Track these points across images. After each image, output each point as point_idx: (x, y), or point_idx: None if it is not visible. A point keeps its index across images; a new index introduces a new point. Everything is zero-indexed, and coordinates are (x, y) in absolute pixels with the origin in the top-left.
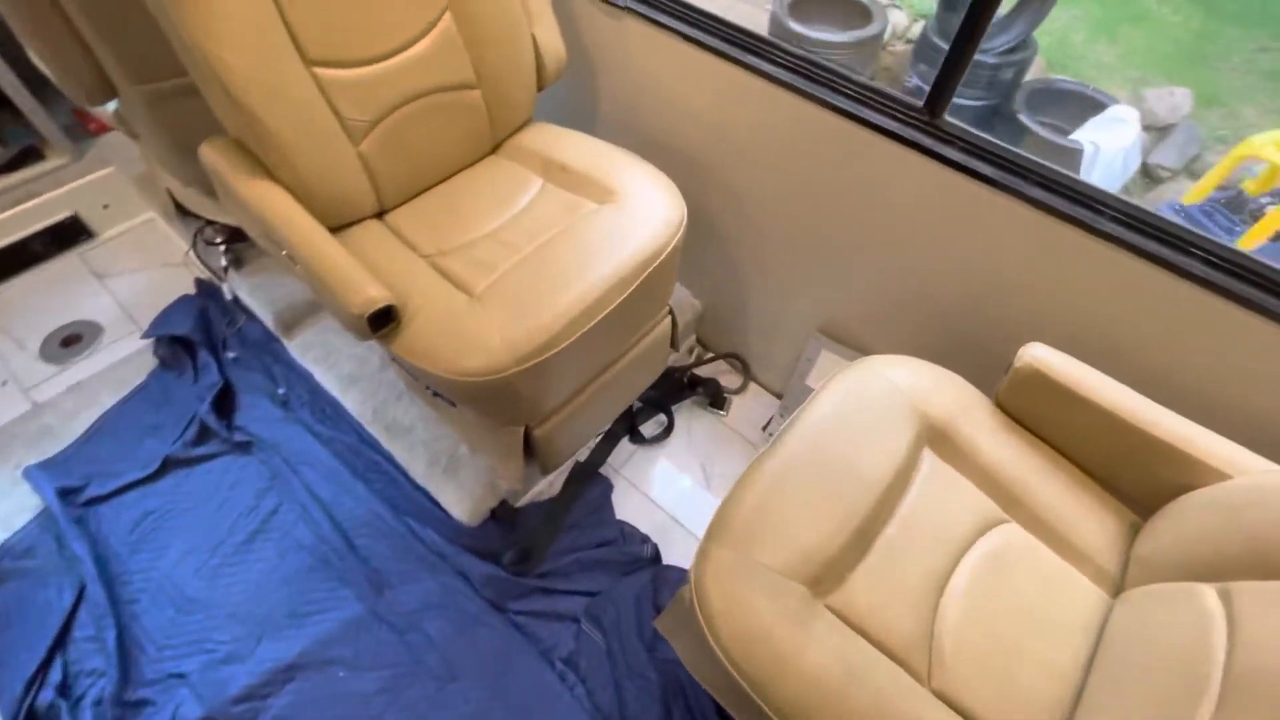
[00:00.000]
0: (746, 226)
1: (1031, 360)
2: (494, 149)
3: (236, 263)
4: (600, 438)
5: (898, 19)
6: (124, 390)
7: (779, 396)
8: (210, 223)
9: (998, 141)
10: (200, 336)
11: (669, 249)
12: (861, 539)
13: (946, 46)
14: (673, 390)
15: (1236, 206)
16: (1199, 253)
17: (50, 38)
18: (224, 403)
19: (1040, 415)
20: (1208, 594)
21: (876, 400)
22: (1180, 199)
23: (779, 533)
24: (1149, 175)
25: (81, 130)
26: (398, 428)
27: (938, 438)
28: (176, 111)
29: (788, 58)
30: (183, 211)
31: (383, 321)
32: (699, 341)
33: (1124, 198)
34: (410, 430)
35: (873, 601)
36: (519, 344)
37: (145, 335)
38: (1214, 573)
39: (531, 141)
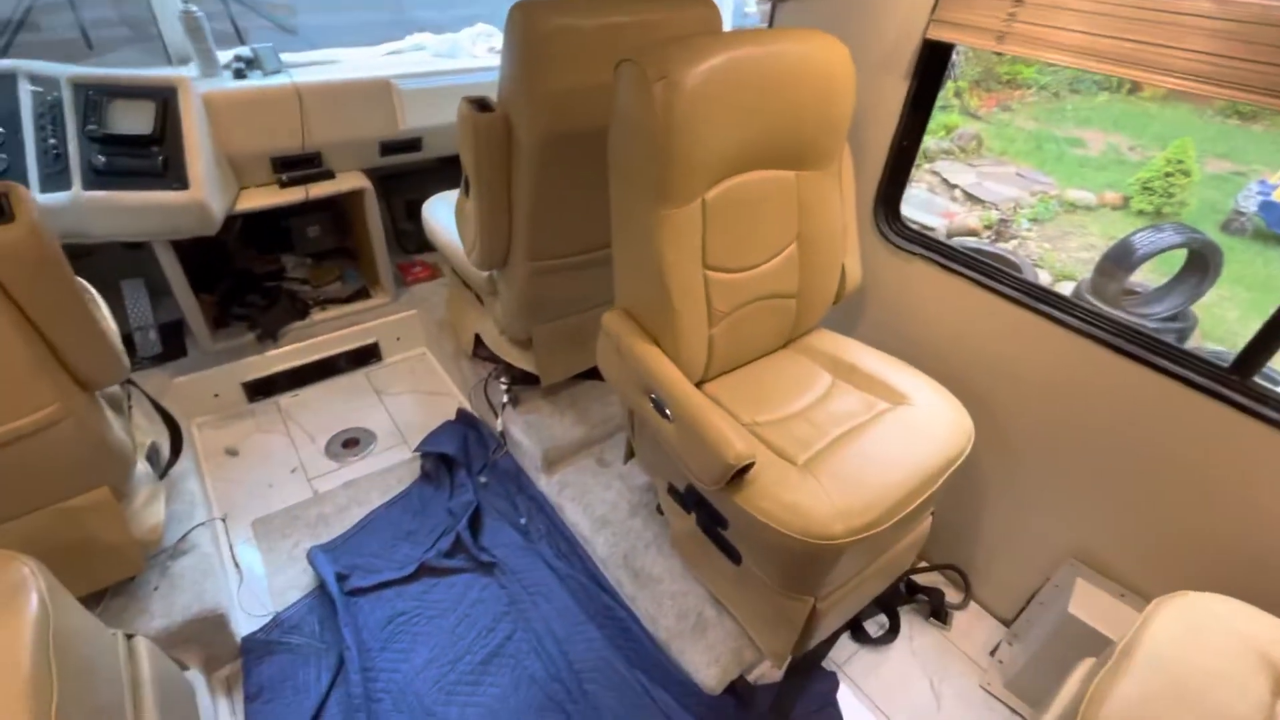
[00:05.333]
0: (997, 444)
1: None
2: (785, 344)
3: (514, 401)
4: None
5: (1043, 277)
6: (389, 494)
7: (1004, 621)
8: (504, 366)
9: None
10: (462, 458)
11: (964, 455)
12: None
13: (1100, 306)
14: (893, 593)
15: None
16: None
17: (496, 223)
18: (473, 523)
19: None
20: None
21: (1216, 642)
22: None
23: None
24: None
25: (402, 280)
26: (646, 576)
27: None
28: (541, 284)
29: (1085, 313)
30: (477, 354)
31: (739, 474)
32: None
33: None
34: (659, 581)
35: None
36: (852, 515)
37: (417, 449)
38: None
39: (819, 343)
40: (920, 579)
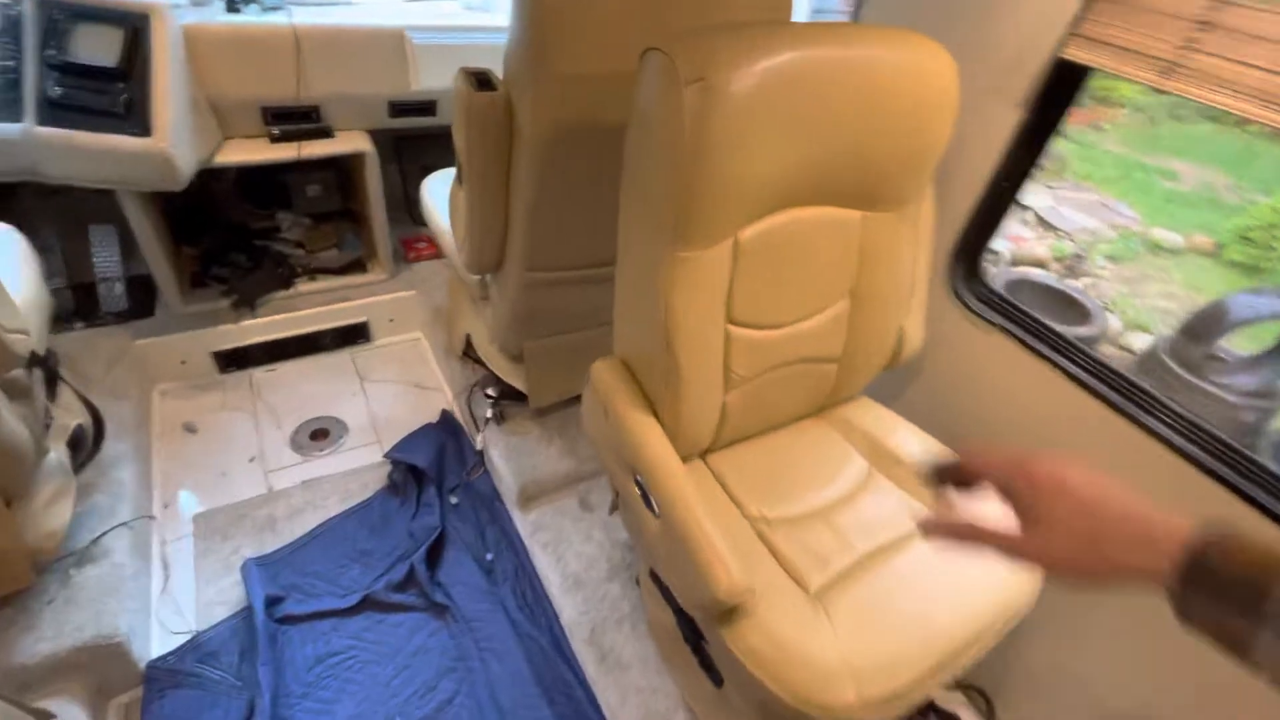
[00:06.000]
0: None
1: None
2: (816, 411)
3: (499, 417)
4: None
5: (1113, 323)
6: (349, 501)
7: None
8: (492, 376)
9: None
10: (434, 472)
11: (1026, 606)
12: None
13: (1181, 371)
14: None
15: None
16: None
17: (488, 224)
18: (433, 551)
19: None
20: None
21: None
22: None
23: None
24: None
25: (403, 256)
26: (614, 660)
27: None
28: (537, 296)
29: (1202, 436)
30: (466, 355)
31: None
32: None
33: None
34: (627, 669)
35: None
36: (868, 679)
37: (387, 455)
38: None
39: (857, 416)
40: (940, 697)
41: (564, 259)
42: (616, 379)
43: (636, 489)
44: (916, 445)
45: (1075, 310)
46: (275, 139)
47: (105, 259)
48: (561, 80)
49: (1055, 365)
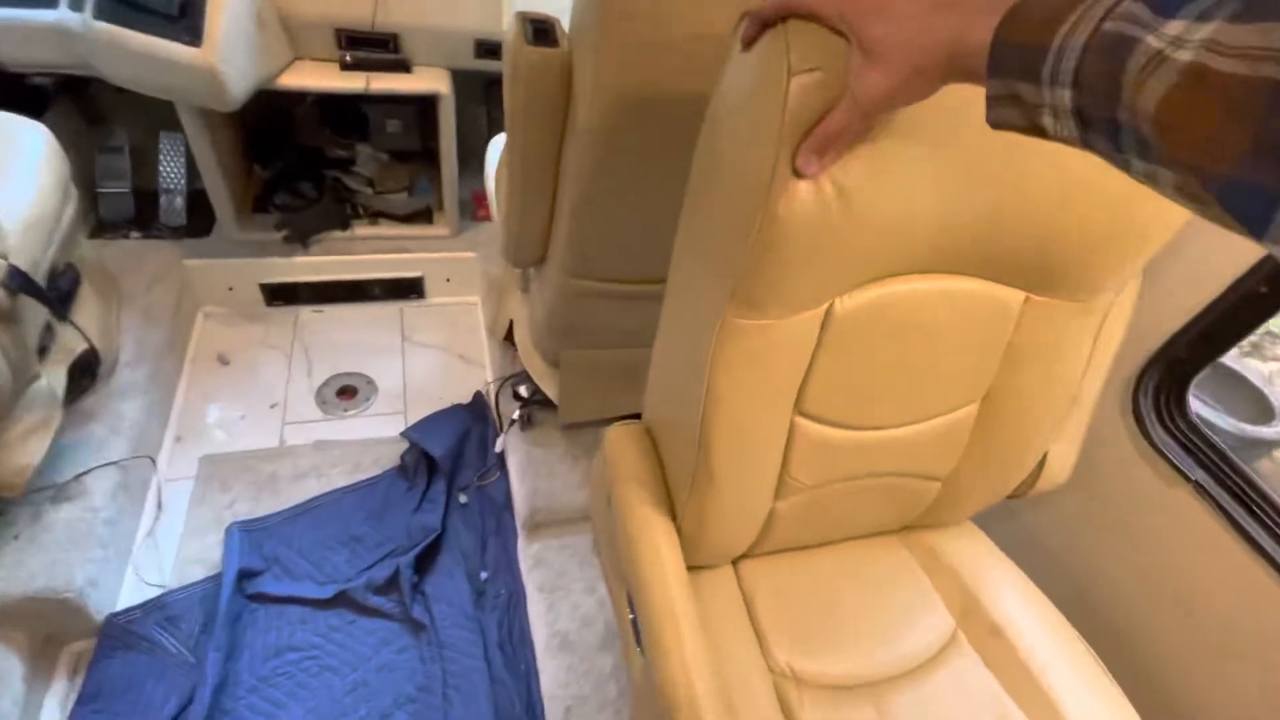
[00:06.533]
0: None
1: None
2: (899, 529)
3: (526, 421)
4: None
5: None
6: (356, 475)
7: None
8: (525, 376)
9: None
10: (448, 465)
11: None
12: None
13: None
14: None
15: None
16: None
17: (529, 211)
18: (426, 553)
19: None
20: None
21: None
22: None
23: None
24: None
25: (473, 212)
26: None
27: None
28: (579, 307)
29: None
30: (508, 341)
31: None
32: None
33: None
34: None
35: None
36: None
37: (404, 434)
38: None
39: (950, 548)
40: None
41: (615, 269)
42: (632, 456)
43: (630, 616)
44: (1030, 618)
45: (1250, 400)
46: (346, 66)
47: (171, 169)
48: (632, 44)
49: (1273, 565)
